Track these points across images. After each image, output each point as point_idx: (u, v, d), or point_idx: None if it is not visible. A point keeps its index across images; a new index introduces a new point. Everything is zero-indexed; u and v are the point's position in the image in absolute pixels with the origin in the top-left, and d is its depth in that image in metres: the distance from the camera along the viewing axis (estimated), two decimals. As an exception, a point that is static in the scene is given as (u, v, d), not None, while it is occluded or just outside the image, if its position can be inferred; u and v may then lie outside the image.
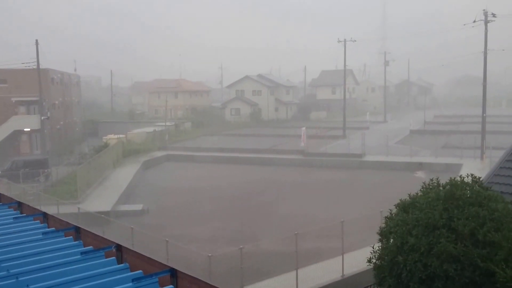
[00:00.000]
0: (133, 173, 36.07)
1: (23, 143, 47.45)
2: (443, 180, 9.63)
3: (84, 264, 6.40)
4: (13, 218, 8.83)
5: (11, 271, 6.11)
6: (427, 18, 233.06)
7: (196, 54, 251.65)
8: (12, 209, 9.72)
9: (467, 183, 9.13)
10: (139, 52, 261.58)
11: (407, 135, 53.93)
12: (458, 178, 9.28)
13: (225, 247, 18.88)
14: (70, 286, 5.76)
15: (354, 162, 39.00)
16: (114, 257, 6.69)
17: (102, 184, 32.46)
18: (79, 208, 21.93)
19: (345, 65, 56.41)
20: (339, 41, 54.90)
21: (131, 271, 6.29)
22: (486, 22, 35.95)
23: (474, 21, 36.34)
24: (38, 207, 10.68)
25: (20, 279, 5.89)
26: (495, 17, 35.93)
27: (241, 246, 14.08)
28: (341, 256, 15.27)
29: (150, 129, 56.35)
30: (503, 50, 45.80)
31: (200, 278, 5.46)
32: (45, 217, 8.85)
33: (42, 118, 43.47)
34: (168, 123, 58.79)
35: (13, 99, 46.59)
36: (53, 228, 8.19)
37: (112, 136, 48.93)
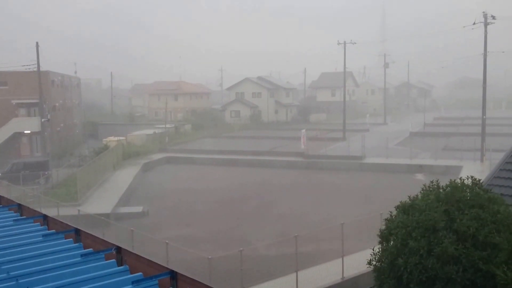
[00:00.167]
0: (133, 175, 36.06)
1: (24, 145, 47.43)
2: (443, 182, 9.64)
3: (84, 266, 6.40)
4: (13, 220, 8.84)
5: (12, 273, 6.11)
6: (427, 20, 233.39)
7: (196, 57, 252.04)
8: (12, 211, 9.72)
9: (467, 185, 9.14)
10: (139, 54, 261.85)
11: (407, 137, 53.93)
12: (458, 180, 9.29)
13: (222, 248, 18.87)
14: (70, 288, 5.76)
15: (354, 164, 38.98)
16: (114, 259, 6.69)
17: (102, 186, 32.46)
18: (79, 210, 21.92)
19: (345, 67, 56.45)
20: (339, 44, 54.94)
21: (131, 273, 6.30)
22: (486, 24, 35.99)
23: (474, 23, 36.39)
24: (38, 209, 10.67)
25: (21, 281, 5.89)
26: (495, 19, 35.98)
27: (241, 248, 14.08)
28: (341, 258, 15.25)
29: (150, 131, 56.37)
30: (503, 52, 45.83)
31: (200, 280, 5.46)
32: (45, 219, 8.85)
33: (43, 120, 43.47)
34: (168, 125, 58.80)
35: (14, 101, 46.59)
36: (53, 230, 8.19)
37: (112, 138, 48.92)
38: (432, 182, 9.69)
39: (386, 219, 9.61)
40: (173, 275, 5.83)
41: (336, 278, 15.02)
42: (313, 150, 43.31)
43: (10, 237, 7.80)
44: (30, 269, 6.31)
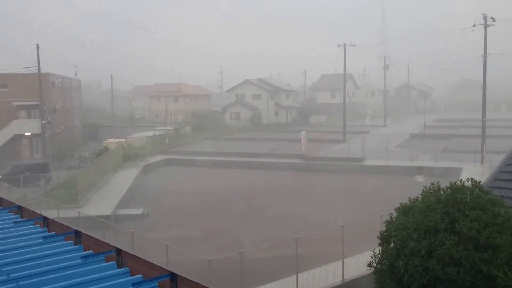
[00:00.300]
0: (133, 177, 36.07)
1: (24, 147, 47.45)
2: (443, 184, 9.65)
3: (84, 269, 6.40)
4: (13, 222, 8.84)
5: (11, 275, 6.11)
6: (427, 22, 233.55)
7: (197, 59, 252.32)
8: (12, 213, 9.71)
9: (467, 187, 9.15)
10: (140, 56, 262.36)
11: (407, 139, 53.93)
12: (459, 182, 9.30)
13: (223, 251, 18.85)
14: (70, 290, 5.76)
15: (354, 166, 38.98)
16: (114, 262, 6.69)
17: (102, 188, 32.46)
18: (79, 212, 21.93)
19: (344, 70, 56.49)
20: (338, 46, 55.00)
21: (131, 275, 6.29)
22: (486, 26, 36.04)
23: (474, 26, 36.43)
24: (38, 211, 10.68)
25: (21, 283, 5.89)
26: (495, 21, 36.02)
27: (241, 250, 14.07)
28: (341, 260, 15.25)
29: (150, 133, 56.38)
30: (503, 54, 45.87)
31: (200, 283, 5.46)
32: (45, 221, 8.85)
33: (43, 122, 43.49)
34: (168, 127, 58.82)
35: (14, 104, 46.63)
36: (53, 232, 8.19)
37: (112, 140, 48.94)
38: (432, 184, 9.70)
39: (386, 221, 9.61)
40: (173, 277, 5.82)
41: (337, 280, 15.02)
42: (313, 152, 43.32)
43: (10, 239, 7.80)
44: (30, 271, 6.31)
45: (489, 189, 9.98)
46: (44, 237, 7.80)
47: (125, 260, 6.65)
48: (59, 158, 42.74)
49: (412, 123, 65.10)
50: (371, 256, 9.40)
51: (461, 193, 8.83)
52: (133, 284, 5.75)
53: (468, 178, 9.51)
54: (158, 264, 6.12)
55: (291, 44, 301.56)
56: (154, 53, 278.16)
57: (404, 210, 9.32)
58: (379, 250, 9.31)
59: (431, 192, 9.45)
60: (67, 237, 7.81)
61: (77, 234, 7.80)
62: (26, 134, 46.12)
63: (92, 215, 22.64)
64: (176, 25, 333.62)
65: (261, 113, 77.12)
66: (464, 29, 38.21)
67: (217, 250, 19.67)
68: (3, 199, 10.79)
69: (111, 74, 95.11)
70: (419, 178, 34.16)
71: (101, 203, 27.99)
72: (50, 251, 7.12)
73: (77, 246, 7.45)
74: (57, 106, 51.50)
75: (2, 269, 6.35)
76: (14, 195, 26.62)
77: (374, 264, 9.28)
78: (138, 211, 27.29)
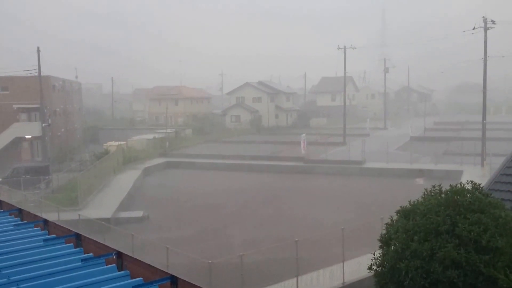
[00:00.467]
0: (133, 180, 36.06)
1: (24, 150, 47.49)
2: (444, 187, 9.65)
3: (85, 271, 6.40)
4: (14, 225, 8.84)
5: (12, 278, 6.12)
6: (427, 24, 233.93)
7: (197, 60, 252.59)
8: (12, 216, 9.72)
9: (468, 190, 9.16)
10: (140, 57, 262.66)
11: (407, 142, 53.92)
12: (459, 185, 9.31)
13: (219, 252, 18.86)
14: (70, 293, 5.76)
15: (354, 169, 38.98)
16: (114, 264, 6.69)
17: (103, 190, 32.46)
18: (79, 215, 21.92)
19: (345, 72, 56.52)
20: (339, 48, 55.06)
21: (132, 278, 6.30)
22: (486, 29, 36.07)
23: (474, 28, 36.46)
24: (38, 214, 10.67)
25: (21, 286, 5.89)
26: (495, 24, 36.06)
27: (241, 253, 14.07)
28: (341, 263, 15.24)
29: (150, 136, 56.40)
30: (503, 57, 45.90)
31: (200, 286, 5.46)
32: (45, 224, 8.86)
33: (43, 125, 43.53)
34: (168, 130, 58.85)
35: (15, 106, 46.69)
36: (54, 235, 8.19)
37: (112, 143, 48.96)
38: (434, 186, 9.70)
39: (386, 224, 9.61)
40: (174, 280, 5.82)
41: (337, 283, 15.01)
42: (313, 154, 43.31)
43: (10, 241, 7.80)
44: (31, 274, 6.31)
45: (490, 192, 9.99)
46: (44, 240, 7.81)
47: (126, 263, 6.66)
48: (59, 161, 42.75)
49: (412, 125, 65.02)
50: (372, 259, 9.39)
51: (462, 196, 8.83)
52: (133, 287, 5.75)
53: (468, 181, 9.51)
54: (158, 267, 6.12)
55: (291, 45, 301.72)
56: (154, 54, 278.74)
57: (404, 213, 9.32)
58: (380, 253, 9.31)
59: (432, 195, 9.45)
60: (67, 239, 7.81)
61: (78, 237, 7.80)
62: (26, 136, 46.16)
63: (93, 218, 22.64)
64: (176, 26, 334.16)
65: (261, 115, 77.16)
66: (464, 31, 38.24)
67: (217, 252, 19.65)
68: (4, 201, 10.80)
69: (112, 77, 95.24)
70: (420, 181, 34.14)
71: (102, 206, 27.98)
72: (51, 254, 7.13)
73: (77, 249, 7.45)
74: (58, 109, 51.55)
75: (3, 271, 6.35)
76: (14, 197, 26.63)
77: (375, 267, 9.27)
78: (139, 214, 27.28)
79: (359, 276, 15.01)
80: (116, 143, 48.50)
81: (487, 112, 39.22)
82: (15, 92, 46.82)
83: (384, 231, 9.56)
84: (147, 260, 6.38)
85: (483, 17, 36.31)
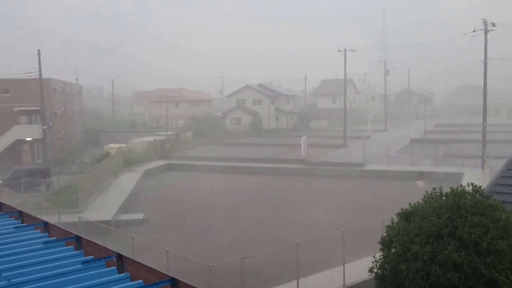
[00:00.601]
0: (134, 182, 36.05)
1: (25, 152, 47.51)
2: (445, 189, 9.64)
3: (85, 274, 6.40)
4: (14, 227, 8.84)
5: (12, 280, 6.11)
6: (427, 24, 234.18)
7: (197, 62, 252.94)
8: (13, 218, 9.72)
9: (469, 192, 9.16)
10: (140, 58, 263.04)
11: (407, 144, 53.90)
12: (460, 188, 9.31)
13: (219, 255, 18.85)
14: (71, 295, 5.76)
15: (355, 171, 38.96)
16: (114, 267, 6.69)
17: (103, 193, 32.45)
18: (80, 218, 21.93)
19: (345, 75, 56.56)
20: (339, 51, 55.11)
21: (132, 280, 6.29)
22: (486, 31, 36.08)
23: (474, 31, 36.49)
24: (39, 217, 10.67)
25: (21, 288, 5.89)
26: (495, 26, 36.08)
27: (242, 256, 14.06)
28: (342, 266, 15.23)
29: (151, 138, 56.42)
30: (503, 59, 45.90)
31: (201, 288, 5.45)
32: (46, 226, 8.86)
33: (44, 127, 43.56)
34: (169, 132, 58.87)
35: (15, 109, 46.74)
36: (54, 238, 8.19)
37: (113, 145, 48.96)
38: (434, 189, 9.70)
39: (387, 226, 9.60)
40: (174, 283, 5.82)
41: (338, 286, 14.99)
42: (313, 157, 43.30)
43: (11, 244, 7.80)
44: (31, 276, 6.31)
45: (490, 194, 9.98)
46: (44, 242, 7.80)
47: (126, 266, 6.65)
48: (60, 163, 42.76)
49: (412, 128, 65.10)
50: (372, 261, 9.39)
51: (463, 199, 8.83)
52: (133, 290, 5.75)
53: (469, 183, 9.52)
54: (158, 270, 6.12)
55: (292, 45, 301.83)
56: (154, 54, 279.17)
57: (405, 215, 9.32)
58: (380, 255, 9.30)
59: (433, 198, 9.45)
60: (67, 242, 7.81)
61: (78, 239, 7.80)
62: (27, 139, 46.19)
63: (93, 220, 22.63)
64: (176, 26, 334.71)
65: (261, 118, 77.20)
66: (464, 34, 38.28)
67: (218, 255, 19.64)
68: (4, 204, 10.80)
69: (112, 79, 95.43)
70: (420, 183, 34.12)
71: (102, 208, 27.97)
72: (51, 256, 7.12)
73: (77, 251, 7.45)
74: (58, 111, 51.60)
75: (3, 274, 6.35)
76: (15, 200, 26.62)
77: (375, 269, 9.26)
78: (139, 216, 27.27)
79: (360, 278, 15.00)
80: (117, 145, 48.51)
81: (487, 114, 39.20)
82: (15, 95, 46.89)
83: (384, 233, 9.55)
84: (147, 262, 6.38)
85: (483, 19, 36.34)
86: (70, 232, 8.19)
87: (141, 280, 6.17)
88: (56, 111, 50.58)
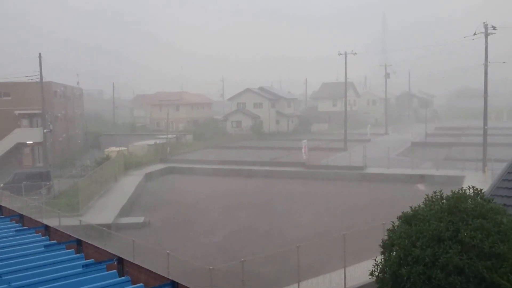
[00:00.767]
0: (134, 185, 36.05)
1: (26, 155, 47.54)
2: (445, 192, 9.63)
3: (86, 277, 6.39)
4: (15, 230, 8.84)
5: (13, 284, 6.11)
6: (427, 24, 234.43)
7: (197, 63, 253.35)
8: (13, 221, 9.72)
9: (470, 196, 9.15)
10: (141, 60, 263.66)
11: (408, 147, 53.87)
12: (461, 191, 9.30)
13: (219, 258, 18.81)
14: (71, 299, 5.75)
15: (355, 175, 38.94)
16: (115, 270, 6.68)
17: (104, 196, 32.44)
18: (80, 221, 21.91)
19: (346, 78, 56.59)
20: (339, 54, 55.18)
21: (133, 284, 6.29)
22: (487, 34, 36.11)
23: (475, 34, 36.52)
24: (39, 220, 10.67)
25: (22, 292, 5.88)
26: (495, 29, 36.10)
27: (242, 259, 14.03)
28: (343, 269, 15.20)
29: (151, 141, 56.43)
30: (504, 62, 45.90)
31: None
32: (46, 229, 8.86)
33: (45, 131, 43.60)
34: (169, 136, 58.88)
35: (16, 112, 46.81)
36: (55, 241, 8.19)
37: (113, 148, 48.99)
38: (435, 192, 9.69)
39: (388, 229, 9.58)
40: (175, 286, 5.81)
41: (338, 289, 14.96)
42: (314, 160, 43.29)
43: (11, 247, 7.80)
44: (31, 279, 6.30)
45: (492, 198, 9.96)
46: (45, 246, 7.80)
47: (127, 269, 6.65)
48: (60, 167, 42.78)
49: (413, 131, 65.08)
50: (373, 265, 9.37)
51: (464, 202, 8.82)
52: (134, 293, 5.74)
53: (469, 187, 9.50)
54: (159, 273, 6.12)
55: (292, 45, 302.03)
56: (154, 55, 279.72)
57: (406, 219, 9.30)
58: (381, 259, 9.28)
59: (434, 201, 9.44)
60: (68, 245, 7.80)
61: (79, 242, 7.80)
62: (28, 142, 46.24)
63: (93, 223, 22.61)
64: (176, 26, 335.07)
65: (262, 121, 77.25)
66: (465, 37, 38.30)
67: (218, 259, 19.61)
68: (5, 207, 10.81)
69: (113, 83, 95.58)
70: (421, 187, 34.08)
71: (103, 212, 27.96)
72: (52, 260, 7.12)
73: (78, 255, 7.45)
74: (59, 115, 51.65)
75: (3, 277, 6.34)
76: (15, 203, 26.61)
77: (376, 273, 9.24)
78: (139, 219, 27.25)
79: (361, 281, 14.96)
80: (117, 148, 48.53)
81: (488, 118, 39.19)
82: (16, 98, 46.98)
83: (385, 237, 9.54)
84: (148, 265, 6.38)
85: (484, 23, 36.38)
86: (70, 235, 8.19)
87: (141, 284, 6.16)
88: (57, 114, 50.63)
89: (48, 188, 33.27)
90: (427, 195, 9.76)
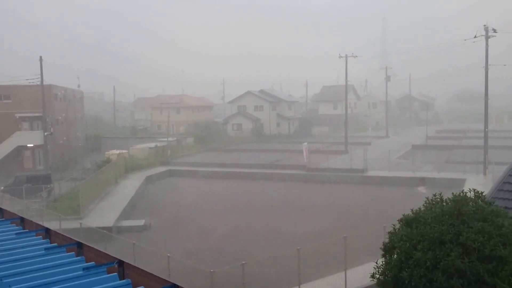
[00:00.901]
0: (135, 188, 36.05)
1: (26, 158, 47.55)
2: (446, 195, 9.62)
3: (86, 280, 6.38)
4: (16, 233, 8.83)
5: (13, 287, 6.10)
6: (428, 25, 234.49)
7: (197, 62, 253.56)
8: (14, 224, 9.71)
9: (471, 198, 9.14)
10: (141, 60, 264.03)
11: (409, 150, 53.83)
12: (462, 194, 9.28)
13: (219, 261, 18.78)
14: (72, 302, 5.74)
15: (356, 177, 38.91)
16: (116, 273, 6.67)
17: (105, 199, 32.44)
18: (81, 224, 21.90)
19: (346, 81, 56.60)
20: (340, 57, 55.20)
21: (133, 287, 6.27)
22: (487, 37, 36.12)
23: (475, 37, 36.53)
24: (40, 223, 10.66)
25: (22, 295, 5.87)
26: (496, 32, 36.12)
27: (243, 262, 14.01)
28: (343, 272, 15.17)
29: (152, 144, 56.46)
30: (505, 65, 45.89)
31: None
32: (47, 232, 8.85)
33: (45, 133, 43.63)
34: (170, 139, 58.90)
35: (17, 115, 46.84)
36: (55, 244, 8.18)
37: (114, 151, 49.01)
38: (434, 195, 9.68)
39: (389, 232, 9.57)
40: (175, 289, 5.80)
41: (339, 292, 14.92)
42: (315, 163, 43.27)
43: (12, 250, 7.79)
44: (32, 283, 6.29)
45: (493, 200, 9.95)
46: (46, 249, 7.79)
47: (127, 272, 6.63)
48: (61, 170, 42.78)
49: (414, 134, 65.11)
50: (374, 268, 9.35)
51: (465, 205, 8.81)
52: (135, 296, 5.73)
53: (470, 189, 9.50)
54: (160, 276, 6.10)
55: (291, 45, 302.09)
56: (154, 54, 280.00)
57: (407, 221, 9.29)
58: (382, 261, 9.26)
59: (434, 204, 9.42)
60: (69, 248, 7.79)
61: (79, 245, 7.79)
62: (28, 145, 46.25)
63: (94, 226, 22.60)
64: (176, 25, 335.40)
65: (263, 124, 77.26)
66: (465, 40, 38.33)
67: (219, 261, 19.58)
68: (5, 210, 10.80)
69: (114, 86, 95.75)
70: (422, 189, 34.04)
71: (103, 215, 27.95)
72: (52, 263, 7.11)
73: (79, 258, 7.43)
74: (60, 118, 51.69)
75: (4, 280, 6.33)
76: (16, 206, 26.61)
77: (377, 276, 9.22)
78: (140, 222, 27.23)
79: (361, 284, 14.93)
80: (118, 151, 48.55)
81: (489, 120, 39.18)
82: (17, 101, 47.02)
83: (387, 240, 9.52)
84: (148, 268, 6.36)
85: (484, 25, 36.39)
86: (71, 238, 8.17)
87: (142, 286, 6.15)
88: (58, 117, 50.67)
89: (49, 191, 33.27)
90: (427, 198, 9.75)
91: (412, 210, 9.60)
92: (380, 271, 9.18)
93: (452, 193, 9.32)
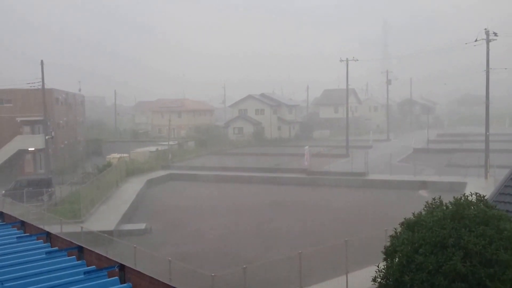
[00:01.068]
0: (136, 192, 36.03)
1: (27, 162, 47.58)
2: (447, 199, 9.61)
3: (87, 284, 6.37)
4: (17, 237, 8.83)
5: (14, 291, 6.09)
6: (428, 24, 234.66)
7: (197, 62, 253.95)
8: (15, 228, 9.71)
9: (472, 202, 9.12)
10: (141, 60, 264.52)
11: (410, 154, 53.78)
12: (463, 197, 9.27)
13: (219, 266, 18.75)
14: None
15: (357, 181, 38.86)
16: (117, 277, 6.66)
17: (106, 203, 32.43)
18: (82, 228, 21.88)
19: (347, 85, 56.65)
20: (341, 61, 55.27)
21: (134, 291, 6.26)
22: (488, 41, 36.14)
23: (476, 40, 36.55)
24: (41, 227, 10.66)
25: (23, 299, 5.86)
26: (497, 36, 36.13)
27: (244, 266, 13.98)
28: (345, 275, 15.13)
29: (153, 148, 56.46)
30: (506, 68, 45.93)
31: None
32: (48, 236, 8.85)
33: (47, 137, 43.65)
34: (171, 142, 58.90)
35: (18, 119, 46.89)
36: (56, 248, 8.17)
37: (115, 155, 49.01)
38: (434, 199, 9.67)
39: (390, 236, 9.55)
40: (177, 293, 5.79)
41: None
42: (316, 166, 43.23)
43: (13, 254, 7.78)
44: (33, 286, 6.28)
45: (494, 204, 9.93)
46: (47, 253, 7.78)
47: (128, 276, 6.62)
48: (62, 173, 42.79)
49: (415, 137, 64.96)
50: (376, 271, 9.32)
51: (467, 208, 8.79)
52: (136, 300, 5.72)
53: (472, 193, 9.48)
54: (161, 279, 6.09)
55: (291, 44, 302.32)
56: (155, 54, 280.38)
57: (409, 225, 9.27)
58: (384, 265, 9.24)
59: (434, 208, 9.40)
60: (70, 252, 7.78)
61: (80, 249, 7.78)
62: (29, 149, 46.27)
63: (95, 230, 22.58)
64: (176, 25, 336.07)
65: (264, 127, 77.27)
66: (466, 44, 38.34)
67: (220, 264, 19.54)
68: (7, 214, 10.81)
69: (115, 90, 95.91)
70: (423, 193, 33.99)
71: (104, 218, 27.93)
72: (53, 267, 7.10)
73: (80, 262, 7.43)
74: (61, 122, 51.74)
75: (5, 284, 6.32)
76: (17, 210, 26.60)
77: (379, 279, 9.20)
78: (141, 226, 27.20)
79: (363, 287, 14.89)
80: (119, 155, 48.56)
81: (490, 124, 39.15)
82: (18, 105, 47.09)
83: (388, 243, 9.50)
84: (149, 272, 6.35)
85: (485, 29, 36.41)
86: (72, 242, 8.17)
87: (143, 290, 6.13)
88: (59, 121, 50.73)
89: (50, 195, 33.27)
90: (427, 202, 9.74)
91: (413, 213, 9.58)
92: (381, 275, 9.15)
93: (454, 197, 9.30)
